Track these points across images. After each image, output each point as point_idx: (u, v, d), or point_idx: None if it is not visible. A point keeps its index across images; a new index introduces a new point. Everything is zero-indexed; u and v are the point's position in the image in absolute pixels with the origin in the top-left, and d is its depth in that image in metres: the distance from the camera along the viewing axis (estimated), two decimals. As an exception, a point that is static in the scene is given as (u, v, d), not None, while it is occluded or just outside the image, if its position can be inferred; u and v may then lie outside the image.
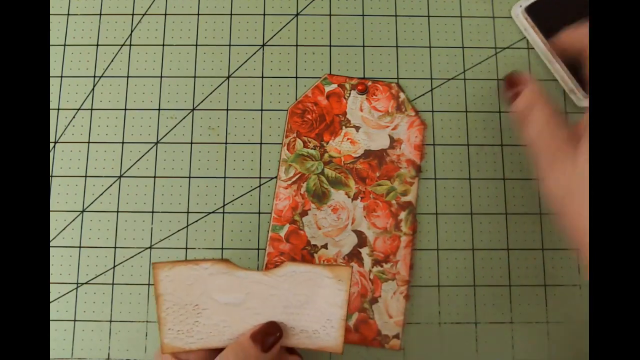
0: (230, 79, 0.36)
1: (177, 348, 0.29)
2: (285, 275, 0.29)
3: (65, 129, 0.35)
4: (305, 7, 0.37)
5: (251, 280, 0.29)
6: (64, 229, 0.34)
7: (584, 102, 0.35)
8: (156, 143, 0.35)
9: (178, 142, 0.35)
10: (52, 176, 0.35)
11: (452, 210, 0.34)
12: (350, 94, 0.36)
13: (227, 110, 0.36)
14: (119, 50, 0.37)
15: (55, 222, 0.34)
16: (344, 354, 0.32)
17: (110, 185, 0.35)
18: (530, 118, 0.27)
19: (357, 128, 0.35)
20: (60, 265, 0.34)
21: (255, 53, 0.36)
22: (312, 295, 0.30)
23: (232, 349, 0.27)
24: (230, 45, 0.37)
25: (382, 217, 0.34)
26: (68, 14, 0.37)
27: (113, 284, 0.33)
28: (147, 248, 0.34)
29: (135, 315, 0.33)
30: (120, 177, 0.35)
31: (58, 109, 0.36)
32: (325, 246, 0.33)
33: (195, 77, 0.36)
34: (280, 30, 0.37)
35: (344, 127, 0.35)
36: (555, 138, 0.26)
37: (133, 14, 0.37)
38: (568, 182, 0.25)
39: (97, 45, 0.37)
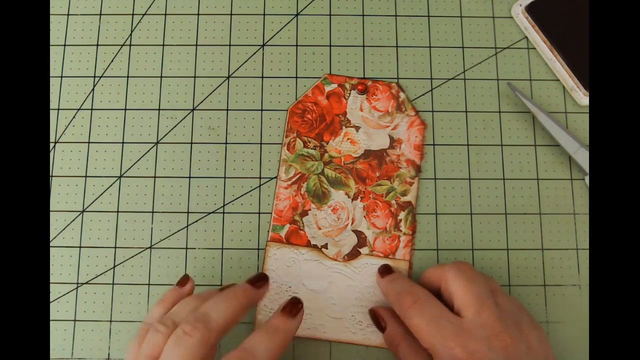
0: (230, 79, 0.36)
1: None
2: (360, 267, 0.33)
3: (65, 129, 0.35)
4: (305, 7, 0.37)
5: (335, 270, 0.33)
6: (64, 229, 0.34)
7: (585, 101, 0.35)
8: (156, 143, 0.35)
9: (178, 142, 0.35)
10: (52, 176, 0.35)
11: (452, 210, 0.34)
12: (350, 93, 0.36)
13: (227, 110, 0.36)
14: (119, 50, 0.37)
15: (55, 222, 0.34)
16: (344, 354, 0.32)
17: (110, 185, 0.35)
18: (396, 353, 0.29)
19: (357, 128, 0.35)
20: (60, 265, 0.34)
21: (255, 53, 0.36)
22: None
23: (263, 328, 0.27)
24: (230, 45, 0.37)
25: (382, 217, 0.34)
26: (68, 14, 0.37)
27: (113, 284, 0.33)
28: (147, 248, 0.34)
29: (135, 315, 0.33)
30: (120, 177, 0.35)
31: (58, 109, 0.36)
32: (325, 246, 0.33)
33: (195, 77, 0.36)
34: (280, 30, 0.37)
35: (344, 127, 0.35)
36: None
37: (133, 14, 0.37)
38: None
39: (97, 45, 0.37)
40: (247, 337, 0.25)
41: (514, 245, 0.34)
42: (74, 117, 0.36)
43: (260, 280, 0.29)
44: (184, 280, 0.30)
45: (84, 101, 0.36)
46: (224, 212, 0.34)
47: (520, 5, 0.36)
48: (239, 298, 0.27)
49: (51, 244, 0.34)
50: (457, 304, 0.27)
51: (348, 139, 0.35)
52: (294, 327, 0.27)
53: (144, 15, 0.37)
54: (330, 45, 0.36)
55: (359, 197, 0.34)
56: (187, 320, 0.25)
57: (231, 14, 0.37)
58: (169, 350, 0.24)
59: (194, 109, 0.36)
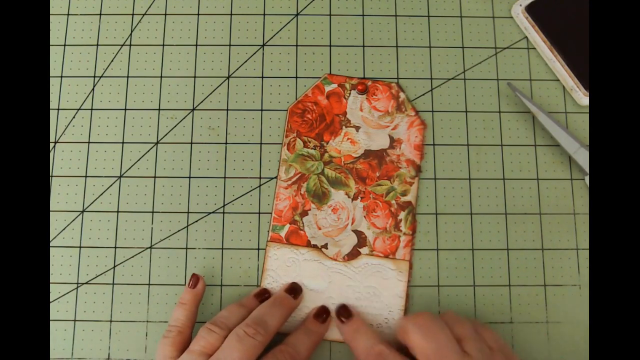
0: (230, 79, 0.36)
1: None
2: (360, 267, 0.33)
3: (65, 129, 0.35)
4: (305, 7, 0.37)
5: (334, 270, 0.33)
6: (64, 229, 0.34)
7: (585, 101, 0.35)
8: (156, 143, 0.35)
9: (178, 142, 0.35)
10: (52, 176, 0.35)
11: (452, 210, 0.34)
12: (350, 93, 0.36)
13: (227, 110, 0.36)
14: (119, 50, 0.37)
15: (55, 222, 0.34)
16: (344, 354, 0.32)
17: (110, 185, 0.35)
18: None
19: (357, 128, 0.35)
20: (60, 265, 0.34)
21: (255, 53, 0.36)
22: (379, 287, 0.33)
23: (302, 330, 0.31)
24: (230, 45, 0.37)
25: (382, 217, 0.34)
26: (68, 14, 0.37)
27: (113, 284, 0.33)
28: (147, 248, 0.34)
29: (135, 315, 0.33)
30: (120, 177, 0.35)
31: (58, 109, 0.36)
32: (325, 246, 0.33)
33: (195, 77, 0.36)
34: (280, 30, 0.37)
35: (344, 127, 0.35)
36: None
37: (133, 14, 0.37)
38: None
39: (97, 45, 0.37)
40: (289, 335, 0.30)
41: (514, 245, 0.34)
42: (74, 117, 0.36)
43: (296, 291, 0.32)
44: (195, 280, 0.32)
45: (84, 101, 0.36)
46: (224, 212, 0.34)
47: (520, 5, 0.36)
48: (286, 307, 0.30)
49: (51, 244, 0.34)
50: None
51: (348, 139, 0.35)
52: (324, 331, 0.31)
53: (144, 15, 0.37)
54: (330, 45, 0.36)
55: (359, 197, 0.34)
56: (249, 324, 0.28)
57: (231, 14, 0.37)
58: (231, 347, 0.27)
59: (194, 109, 0.36)
